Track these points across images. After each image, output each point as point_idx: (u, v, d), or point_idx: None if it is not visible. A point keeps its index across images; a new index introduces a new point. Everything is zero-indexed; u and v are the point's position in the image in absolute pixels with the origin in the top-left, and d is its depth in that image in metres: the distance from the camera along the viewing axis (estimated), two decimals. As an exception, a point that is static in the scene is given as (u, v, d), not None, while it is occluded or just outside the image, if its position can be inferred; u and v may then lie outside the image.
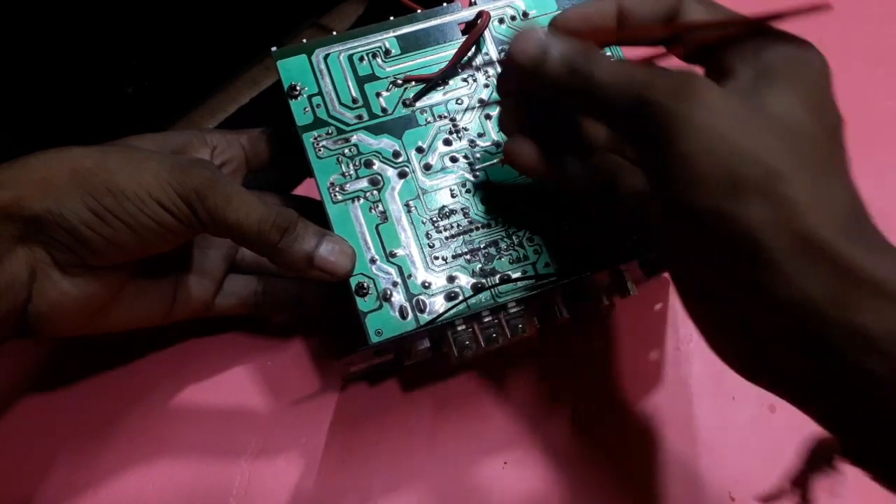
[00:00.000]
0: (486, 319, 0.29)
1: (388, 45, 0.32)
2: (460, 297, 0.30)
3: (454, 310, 0.29)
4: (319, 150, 0.31)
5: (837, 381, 0.20)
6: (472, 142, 0.32)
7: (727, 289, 0.22)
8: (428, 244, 0.30)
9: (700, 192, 0.21)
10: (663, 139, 0.22)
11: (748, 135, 0.21)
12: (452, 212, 0.31)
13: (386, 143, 0.31)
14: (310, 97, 0.31)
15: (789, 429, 0.35)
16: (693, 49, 0.26)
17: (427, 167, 0.31)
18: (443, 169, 0.31)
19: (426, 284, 0.30)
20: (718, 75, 0.24)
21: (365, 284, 0.29)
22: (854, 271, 0.19)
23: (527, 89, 0.28)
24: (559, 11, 0.34)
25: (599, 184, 0.28)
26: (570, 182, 0.28)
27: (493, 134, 0.32)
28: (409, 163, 0.31)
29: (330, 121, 0.31)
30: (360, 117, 0.31)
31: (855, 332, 0.19)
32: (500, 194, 0.31)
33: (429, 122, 0.32)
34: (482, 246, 0.30)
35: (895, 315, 0.19)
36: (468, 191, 0.31)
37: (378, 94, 0.32)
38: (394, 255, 0.30)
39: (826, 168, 0.22)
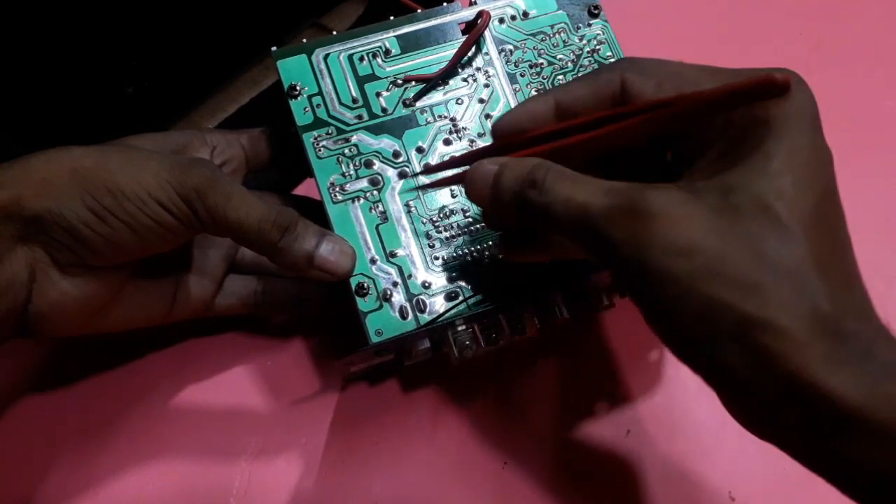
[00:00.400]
0: (486, 319, 0.29)
1: (388, 44, 0.32)
2: (460, 298, 0.30)
3: (454, 310, 0.29)
4: (319, 150, 0.31)
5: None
6: (472, 142, 0.32)
7: (723, 398, 0.22)
8: (428, 244, 0.30)
9: (676, 341, 0.21)
10: (630, 284, 0.22)
11: (708, 275, 0.20)
12: (452, 212, 0.31)
13: (386, 143, 0.31)
14: (310, 97, 0.31)
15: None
16: (648, 139, 0.24)
17: (427, 167, 0.31)
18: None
19: (426, 284, 0.30)
20: (682, 163, 0.23)
21: (365, 284, 0.29)
22: (842, 408, 0.19)
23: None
24: (559, 11, 0.34)
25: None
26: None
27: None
28: (410, 163, 0.31)
29: (330, 121, 0.31)
30: (360, 117, 0.31)
31: (844, 467, 0.20)
32: None
33: (429, 122, 0.32)
34: (483, 246, 0.30)
35: (888, 452, 0.19)
36: (468, 191, 0.31)
37: (378, 94, 0.32)
38: (394, 256, 0.30)
39: (804, 279, 0.20)
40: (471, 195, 0.25)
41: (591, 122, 0.23)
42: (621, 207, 0.21)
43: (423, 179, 0.30)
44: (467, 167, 0.26)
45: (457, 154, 0.31)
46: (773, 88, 0.20)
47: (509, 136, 0.26)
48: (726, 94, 0.20)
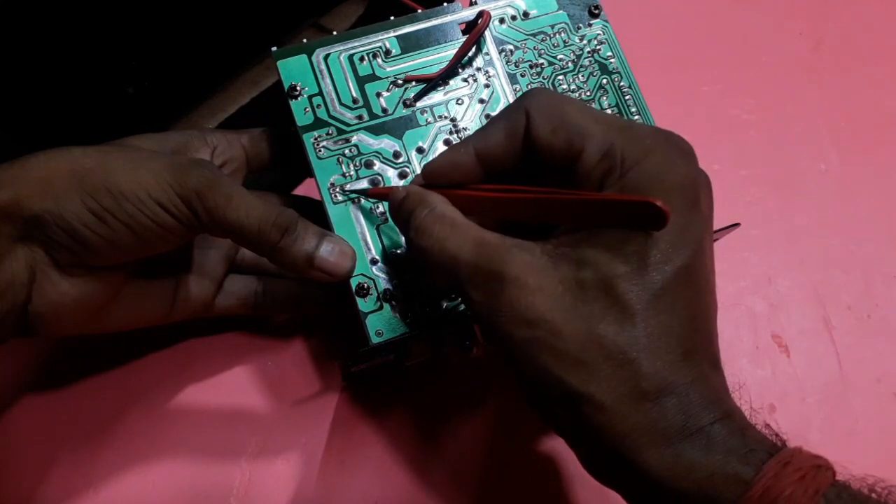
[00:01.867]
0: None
1: (388, 44, 0.32)
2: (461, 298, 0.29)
3: (454, 310, 0.29)
4: (320, 151, 0.31)
5: None
6: (472, 142, 0.32)
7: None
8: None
9: (526, 397, 0.24)
10: (486, 332, 0.24)
11: (544, 347, 0.22)
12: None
13: (386, 143, 0.31)
14: (310, 97, 0.31)
15: (789, 429, 0.35)
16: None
17: (427, 168, 0.31)
18: (443, 169, 0.31)
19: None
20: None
21: (365, 285, 0.29)
22: (653, 480, 0.21)
23: None
24: (559, 11, 0.34)
25: None
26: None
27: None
28: (410, 163, 0.31)
29: (330, 121, 0.31)
30: (360, 117, 0.31)
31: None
32: None
33: (429, 123, 0.32)
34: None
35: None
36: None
37: (378, 95, 0.32)
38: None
39: (629, 358, 0.22)
40: (392, 215, 0.27)
41: (499, 189, 0.25)
42: (482, 268, 0.23)
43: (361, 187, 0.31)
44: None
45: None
46: (652, 211, 0.21)
47: (437, 182, 0.27)
48: (605, 205, 0.22)
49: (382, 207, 0.30)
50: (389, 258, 0.29)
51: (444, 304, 0.29)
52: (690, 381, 0.22)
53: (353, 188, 0.30)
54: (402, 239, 0.29)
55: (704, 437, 0.21)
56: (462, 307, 0.29)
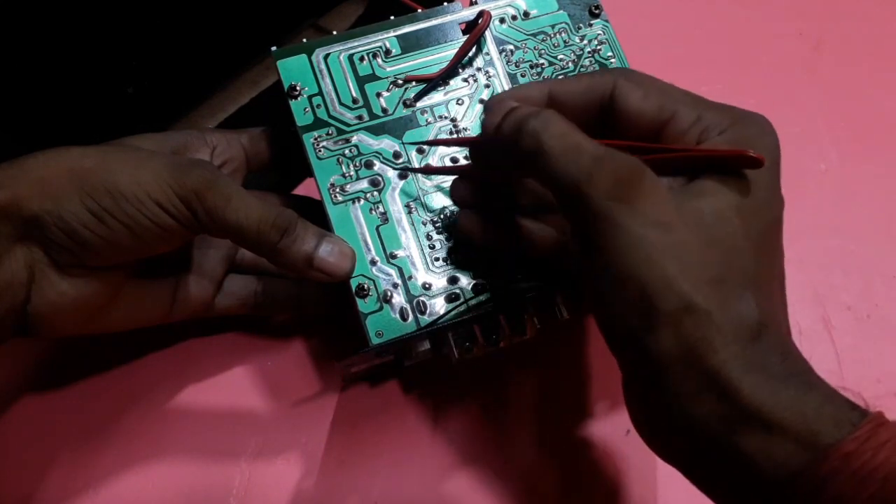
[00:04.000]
0: (487, 320, 0.29)
1: (388, 44, 0.32)
2: (461, 299, 0.29)
3: (454, 311, 0.29)
4: (320, 151, 0.31)
5: (728, 496, 0.22)
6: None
7: (639, 396, 0.24)
8: (429, 245, 0.30)
9: (615, 315, 0.22)
10: (592, 242, 0.22)
11: (674, 256, 0.21)
12: (453, 213, 0.31)
13: (386, 143, 0.31)
14: (310, 97, 0.31)
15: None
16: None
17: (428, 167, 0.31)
18: (443, 169, 0.31)
19: (427, 286, 0.29)
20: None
21: (365, 286, 0.29)
22: (743, 403, 0.21)
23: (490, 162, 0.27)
24: (560, 11, 0.34)
25: (547, 250, 0.28)
26: (514, 249, 0.29)
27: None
28: (410, 164, 0.31)
29: (330, 121, 0.31)
30: (360, 118, 0.31)
31: (741, 454, 0.21)
32: None
33: (429, 123, 0.32)
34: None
35: (771, 442, 0.21)
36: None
37: (378, 95, 0.32)
38: (394, 257, 0.30)
39: (743, 289, 0.22)
40: (486, 119, 0.26)
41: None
42: (617, 159, 0.22)
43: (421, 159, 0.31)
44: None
45: (460, 151, 0.31)
46: (749, 162, 0.23)
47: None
48: (710, 158, 0.24)
49: (383, 207, 0.30)
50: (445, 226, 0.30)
51: (445, 306, 0.29)
52: (784, 325, 0.23)
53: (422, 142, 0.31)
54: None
55: (805, 379, 0.21)
56: (461, 308, 0.29)
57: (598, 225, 0.22)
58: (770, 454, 0.20)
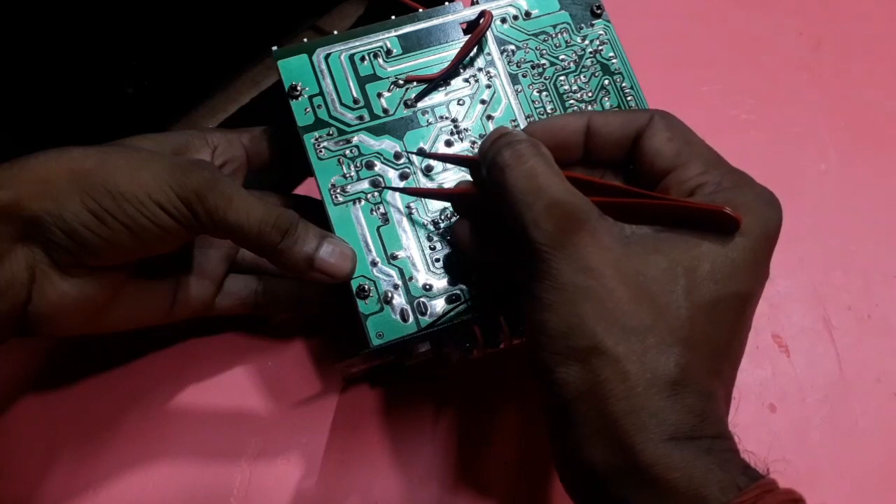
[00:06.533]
0: (487, 321, 0.29)
1: (389, 44, 0.32)
2: (461, 300, 0.29)
3: (455, 312, 0.29)
4: (320, 151, 0.30)
5: None
6: (473, 143, 0.32)
7: (550, 428, 0.24)
8: (429, 246, 0.30)
9: (540, 341, 0.23)
10: (532, 275, 0.23)
11: (598, 300, 0.22)
12: (454, 214, 0.31)
13: (387, 143, 0.31)
14: (311, 97, 0.31)
15: (789, 428, 0.35)
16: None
17: (428, 169, 0.31)
18: (444, 170, 0.31)
19: (427, 287, 0.29)
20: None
21: (366, 287, 0.29)
22: (635, 458, 0.21)
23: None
24: (561, 11, 0.34)
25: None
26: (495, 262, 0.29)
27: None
28: (411, 164, 0.31)
29: (331, 121, 0.31)
30: (361, 118, 0.31)
31: None
32: None
33: (430, 123, 0.32)
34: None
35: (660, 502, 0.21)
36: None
37: (379, 95, 0.32)
38: (395, 258, 0.30)
39: (662, 347, 0.22)
40: (480, 147, 0.26)
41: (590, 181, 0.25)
42: (566, 205, 0.23)
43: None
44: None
45: (461, 152, 0.31)
46: (725, 220, 0.23)
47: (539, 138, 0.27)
48: (686, 210, 0.23)
49: (384, 208, 0.30)
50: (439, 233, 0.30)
51: (445, 307, 0.29)
52: (711, 393, 0.22)
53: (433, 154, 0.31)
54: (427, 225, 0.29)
55: (708, 444, 0.21)
56: (461, 308, 0.29)
57: (534, 264, 0.23)
58: None
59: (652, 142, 0.26)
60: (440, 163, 0.31)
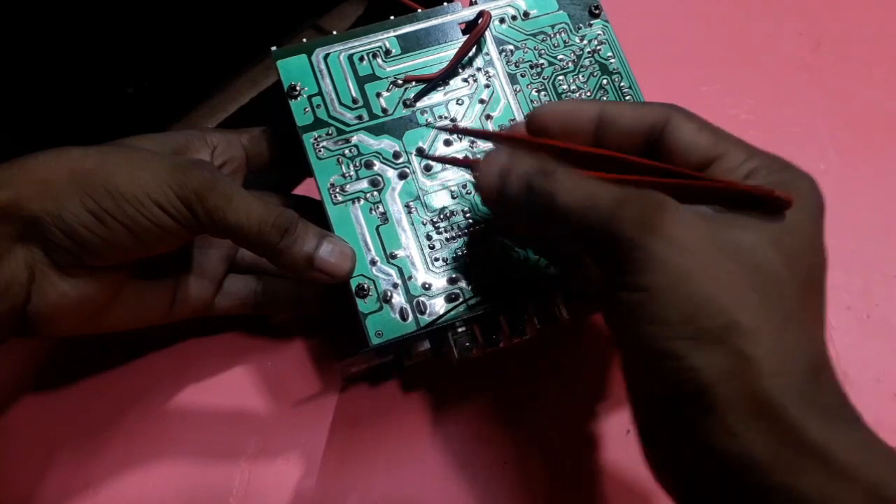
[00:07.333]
0: (487, 320, 0.29)
1: (388, 44, 0.32)
2: (461, 299, 0.29)
3: (454, 311, 0.29)
4: (320, 151, 0.31)
5: None
6: (472, 142, 0.32)
7: (670, 429, 0.22)
8: (428, 245, 0.30)
9: (657, 331, 0.21)
10: (627, 269, 0.21)
11: (714, 277, 0.21)
12: (453, 213, 0.31)
13: (386, 143, 0.31)
14: (310, 97, 0.31)
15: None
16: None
17: (427, 168, 0.31)
18: (443, 170, 0.31)
19: (427, 286, 0.29)
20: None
21: (365, 286, 0.29)
22: (802, 438, 0.19)
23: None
24: (560, 11, 0.34)
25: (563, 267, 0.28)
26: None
27: (494, 134, 0.32)
28: (410, 164, 0.31)
29: (330, 121, 0.31)
30: (360, 118, 0.31)
31: (794, 498, 0.19)
32: None
33: (429, 123, 0.32)
34: (483, 247, 0.30)
35: (834, 487, 0.19)
36: (469, 192, 0.31)
37: (378, 95, 0.32)
38: (394, 257, 0.30)
39: (791, 320, 0.21)
40: (481, 182, 0.25)
41: (619, 156, 0.24)
42: (636, 195, 0.22)
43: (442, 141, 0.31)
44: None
45: (460, 151, 0.31)
46: (777, 202, 0.22)
47: (545, 124, 0.26)
48: (739, 192, 0.23)
49: (383, 207, 0.30)
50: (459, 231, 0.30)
51: (445, 306, 0.29)
52: (834, 372, 0.21)
53: (433, 157, 0.30)
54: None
55: (862, 427, 0.20)
56: (461, 308, 0.29)
57: (632, 256, 0.21)
58: (831, 500, 0.19)
59: (680, 135, 0.25)
60: (439, 163, 0.31)
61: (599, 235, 0.22)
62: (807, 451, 0.19)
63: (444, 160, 0.30)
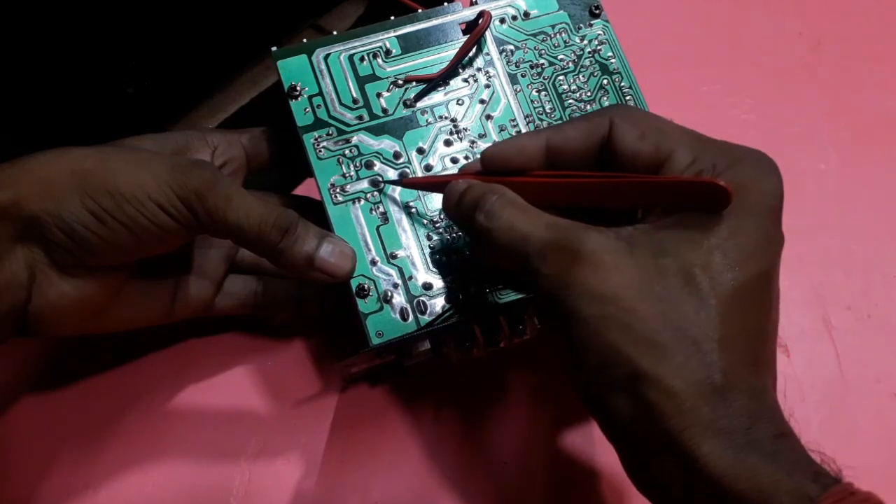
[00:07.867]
0: (487, 321, 0.29)
1: (388, 44, 0.32)
2: (461, 299, 0.29)
3: (455, 311, 0.29)
4: (320, 151, 0.31)
5: None
6: (472, 142, 0.32)
7: (615, 446, 0.24)
8: (429, 245, 0.30)
9: (578, 378, 0.23)
10: (551, 316, 0.23)
11: (624, 325, 0.22)
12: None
13: (387, 143, 0.31)
14: (310, 97, 0.31)
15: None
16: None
17: (428, 168, 0.31)
18: (444, 170, 0.31)
19: (427, 286, 0.29)
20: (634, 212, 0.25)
21: (366, 286, 0.29)
22: (703, 473, 0.20)
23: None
24: (560, 11, 0.34)
25: None
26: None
27: (494, 135, 0.32)
28: (410, 164, 0.31)
29: (330, 121, 0.31)
30: (360, 118, 0.31)
31: None
32: None
33: (429, 123, 0.32)
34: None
35: None
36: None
37: (379, 95, 0.32)
38: (394, 257, 0.30)
39: (700, 348, 0.21)
40: (443, 208, 0.27)
41: (563, 175, 0.26)
42: (555, 243, 0.23)
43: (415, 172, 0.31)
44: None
45: (460, 151, 0.31)
46: (719, 193, 0.22)
47: (496, 167, 0.27)
48: (672, 187, 0.23)
49: (383, 207, 0.30)
50: (443, 248, 0.30)
51: (445, 306, 0.29)
52: (759, 388, 0.22)
53: (386, 179, 0.30)
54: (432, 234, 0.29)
55: (769, 447, 0.21)
56: (455, 316, 0.29)
57: (552, 308, 0.23)
58: None
59: (623, 145, 0.25)
60: (439, 162, 0.31)
61: (526, 280, 0.24)
62: (707, 483, 0.20)
63: (417, 186, 0.30)
